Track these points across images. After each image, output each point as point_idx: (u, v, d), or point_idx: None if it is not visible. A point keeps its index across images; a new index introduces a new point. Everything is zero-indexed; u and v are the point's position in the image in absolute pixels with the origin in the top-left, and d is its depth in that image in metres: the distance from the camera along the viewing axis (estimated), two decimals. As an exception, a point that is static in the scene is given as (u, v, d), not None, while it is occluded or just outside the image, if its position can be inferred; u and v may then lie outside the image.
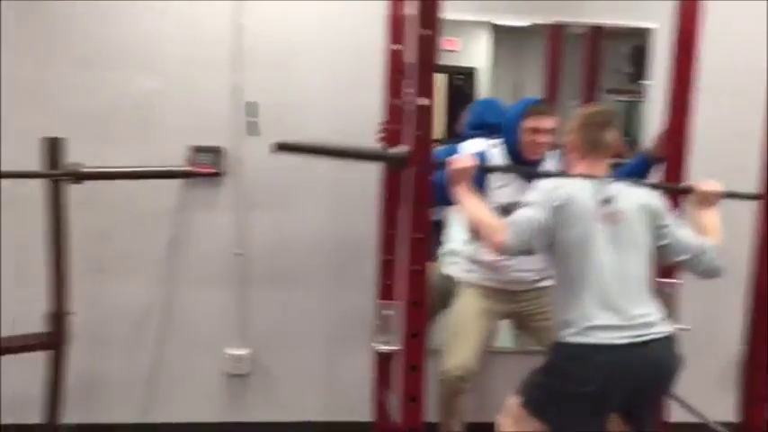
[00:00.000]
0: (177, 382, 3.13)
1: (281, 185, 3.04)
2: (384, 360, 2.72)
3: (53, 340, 2.30)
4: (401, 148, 2.07)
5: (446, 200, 2.20)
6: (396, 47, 2.62)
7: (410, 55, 2.13)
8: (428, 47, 1.96)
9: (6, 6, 2.86)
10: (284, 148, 2.04)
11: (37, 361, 2.51)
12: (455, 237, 2.90)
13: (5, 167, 2.63)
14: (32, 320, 2.47)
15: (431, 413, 2.23)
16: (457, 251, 2.85)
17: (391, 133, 2.60)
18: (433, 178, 2.02)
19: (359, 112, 2.89)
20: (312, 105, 2.99)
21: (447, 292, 2.80)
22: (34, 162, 2.38)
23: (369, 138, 2.74)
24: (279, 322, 3.12)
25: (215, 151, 2.96)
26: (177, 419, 3.15)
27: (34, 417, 2.68)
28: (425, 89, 1.97)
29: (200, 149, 2.95)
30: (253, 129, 2.95)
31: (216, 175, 2.95)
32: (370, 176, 2.78)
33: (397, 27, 2.60)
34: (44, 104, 2.89)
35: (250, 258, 3.05)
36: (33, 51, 2.91)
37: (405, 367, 1.97)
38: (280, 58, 2.97)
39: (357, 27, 2.96)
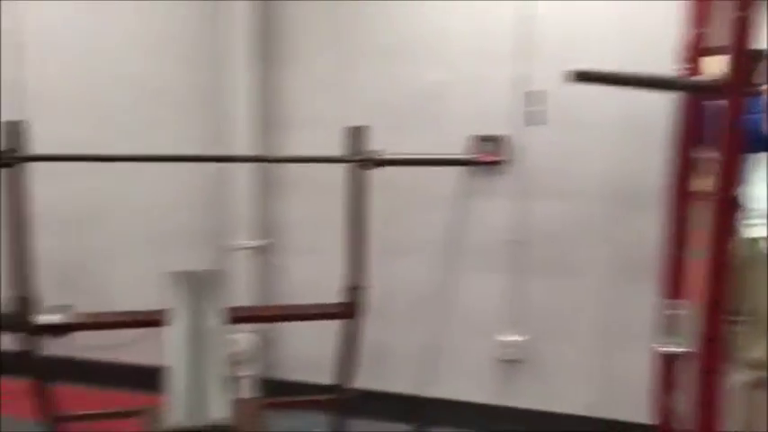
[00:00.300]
0: (451, 361, 3.26)
1: (562, 175, 3.02)
2: (668, 361, 2.58)
3: (350, 311, 2.52)
4: (711, 74, 1.91)
5: (760, 145, 1.98)
6: (696, 31, 2.45)
7: (716, 39, 1.99)
8: (743, 29, 1.82)
9: (312, 6, 3.18)
10: (582, 77, 1.97)
11: (330, 327, 2.77)
12: (763, 194, 2.59)
13: (309, 153, 2.94)
14: (324, 291, 2.74)
15: (727, 422, 2.08)
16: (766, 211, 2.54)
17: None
18: (743, 122, 1.84)
19: (648, 102, 2.75)
20: (599, 95, 2.91)
21: (751, 260, 2.47)
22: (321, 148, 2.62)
23: (659, 130, 2.62)
24: (555, 312, 3.11)
25: (497, 140, 3.02)
26: (449, 396, 3.29)
27: (325, 377, 2.98)
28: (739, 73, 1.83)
29: (482, 138, 3.04)
30: (538, 118, 2.96)
31: (498, 163, 3.01)
32: (654, 170, 2.65)
33: (701, 12, 2.43)
34: (347, 95, 3.18)
35: (528, 246, 3.07)
36: (336, 47, 3.21)
37: (700, 372, 1.86)
38: (567, 47, 2.93)
39: (647, 14, 2.83)
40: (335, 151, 2.70)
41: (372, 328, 3.14)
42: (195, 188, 3.42)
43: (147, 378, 3.25)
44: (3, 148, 1.99)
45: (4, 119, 2.01)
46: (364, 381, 3.16)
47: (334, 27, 3.19)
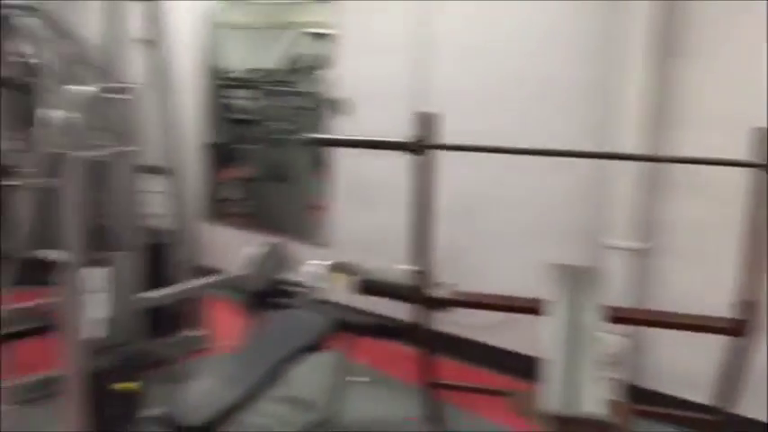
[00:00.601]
0: None
1: None
2: None
3: (740, 328, 2.30)
4: None
5: None
6: None
7: None
8: None
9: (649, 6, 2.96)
10: None
11: (708, 341, 2.57)
12: None
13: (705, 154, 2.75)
14: (706, 302, 2.54)
15: None
16: None
17: None
18: None
19: None
20: None
21: None
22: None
23: None
24: None
25: None
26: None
27: (697, 395, 2.77)
28: None
29: None
30: None
31: None
32: None
33: None
34: (755, 93, 2.91)
35: None
36: (746, 40, 2.94)
37: None
38: None
39: None
40: (737, 154, 2.48)
41: (764, 350, 2.85)
42: (574, 184, 3.43)
43: (508, 361, 3.41)
44: (415, 138, 2.22)
45: (416, 110, 2.24)
46: (746, 407, 2.88)
47: (746, 18, 2.92)
